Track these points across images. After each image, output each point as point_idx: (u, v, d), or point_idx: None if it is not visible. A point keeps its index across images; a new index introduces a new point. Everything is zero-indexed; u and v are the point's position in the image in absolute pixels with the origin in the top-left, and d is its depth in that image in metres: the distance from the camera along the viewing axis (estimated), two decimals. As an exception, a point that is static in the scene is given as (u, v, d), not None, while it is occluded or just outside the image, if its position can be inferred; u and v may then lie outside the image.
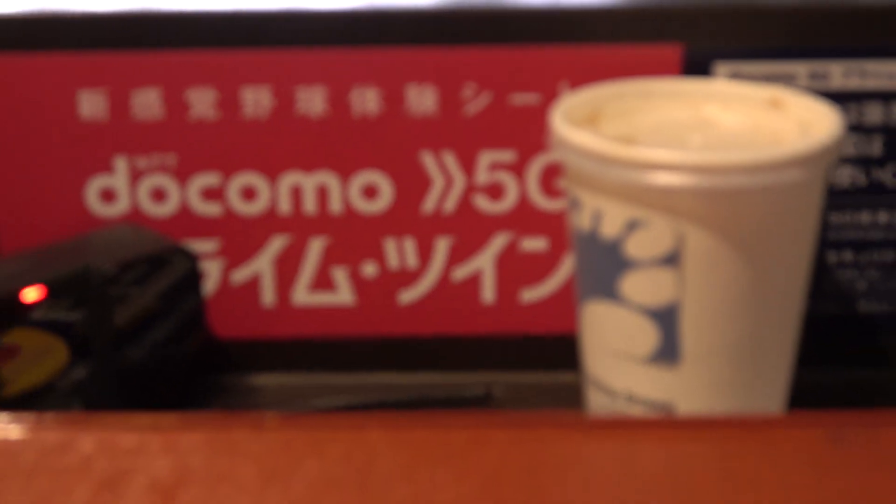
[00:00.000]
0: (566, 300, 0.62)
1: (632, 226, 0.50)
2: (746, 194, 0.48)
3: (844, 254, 0.62)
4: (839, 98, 0.55)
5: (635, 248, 0.50)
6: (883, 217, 0.61)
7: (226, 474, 0.44)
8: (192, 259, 0.60)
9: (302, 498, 0.43)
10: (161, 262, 0.60)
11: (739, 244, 0.49)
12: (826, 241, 0.60)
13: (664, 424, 0.47)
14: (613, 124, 0.54)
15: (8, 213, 0.62)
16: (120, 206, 0.63)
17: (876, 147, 0.61)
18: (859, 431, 0.45)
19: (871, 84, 0.60)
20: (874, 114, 0.60)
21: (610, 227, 0.50)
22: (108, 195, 0.62)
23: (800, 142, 0.51)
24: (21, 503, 0.43)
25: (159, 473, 0.44)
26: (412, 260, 0.63)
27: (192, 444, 0.45)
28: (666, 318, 0.51)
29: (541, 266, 0.63)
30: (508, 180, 0.62)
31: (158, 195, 0.62)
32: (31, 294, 0.56)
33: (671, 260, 0.49)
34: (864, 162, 0.61)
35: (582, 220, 0.52)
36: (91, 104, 0.61)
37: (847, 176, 0.61)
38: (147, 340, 0.60)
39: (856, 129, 0.60)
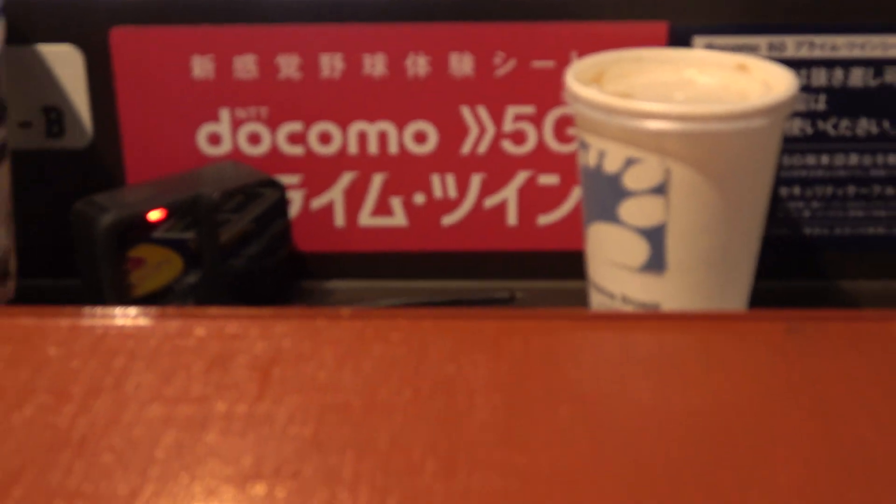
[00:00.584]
0: (574, 223, 0.63)
1: (629, 163, 0.50)
2: (720, 137, 0.49)
3: (794, 188, 0.63)
4: (792, 64, 0.55)
5: (631, 180, 0.51)
6: (825, 160, 0.62)
7: (309, 355, 0.45)
8: (280, 189, 0.61)
9: (369, 374, 0.44)
10: (256, 192, 0.60)
11: (714, 177, 0.50)
12: (780, 178, 0.60)
13: (652, 318, 0.47)
14: (614, 83, 0.55)
15: (135, 151, 0.63)
16: (224, 148, 0.63)
17: (821, 104, 0.62)
18: (808, 324, 0.46)
19: (817, 54, 0.61)
20: (819, 77, 0.61)
21: (611, 164, 0.51)
22: (214, 139, 0.63)
23: (762, 97, 0.52)
24: (149, 376, 0.43)
25: (257, 353, 0.45)
26: (452, 191, 0.64)
27: (283, 331, 0.47)
28: (655, 236, 0.51)
29: (554, 196, 0.64)
30: (529, 129, 0.63)
31: (254, 139, 0.63)
32: (153, 216, 0.57)
33: (660, 189, 0.50)
34: (811, 115, 0.62)
35: (588, 159, 0.53)
36: (201, 67, 0.62)
37: (797, 126, 0.61)
38: (245, 253, 0.61)
39: (805, 89, 0.60)
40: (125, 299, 0.58)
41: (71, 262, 0.58)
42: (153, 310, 0.48)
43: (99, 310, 0.48)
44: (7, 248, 0.58)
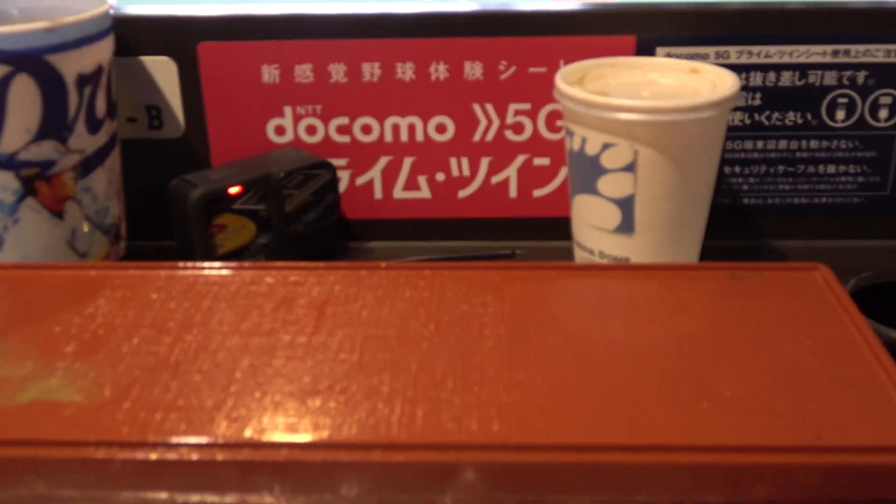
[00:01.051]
0: (562, 195, 0.63)
1: (605, 147, 0.51)
2: (677, 126, 0.50)
3: (735, 167, 0.63)
4: (734, 68, 0.55)
5: (607, 161, 0.51)
6: (759, 144, 0.62)
7: (354, 297, 0.45)
8: (331, 169, 0.61)
9: (401, 312, 0.44)
10: (312, 171, 0.60)
11: (673, 157, 0.50)
12: (724, 159, 0.60)
13: (623, 269, 0.48)
14: (593, 84, 0.55)
15: (218, 139, 0.63)
16: (287, 137, 0.63)
17: (756, 100, 0.61)
18: (747, 273, 0.46)
19: (754, 60, 0.60)
20: (756, 79, 0.61)
21: (591, 148, 0.51)
22: (279, 130, 0.63)
23: (711, 94, 0.51)
24: (229, 314, 0.43)
25: (313, 296, 0.45)
26: (466, 171, 0.64)
27: (334, 279, 0.47)
28: (625, 205, 0.51)
29: (546, 174, 0.64)
30: (526, 121, 0.62)
31: (310, 130, 0.63)
32: (232, 191, 0.57)
33: (629, 168, 0.50)
34: (748, 109, 0.62)
35: (573, 144, 0.53)
36: (269, 74, 0.62)
37: (738, 118, 0.61)
38: (303, 220, 0.61)
39: (744, 88, 0.60)
40: (210, 256, 0.58)
41: (168, 227, 0.58)
42: (233, 263, 0.48)
43: (190, 263, 0.48)
44: (119, 217, 0.58)
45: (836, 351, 0.40)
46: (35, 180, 0.53)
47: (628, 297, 0.45)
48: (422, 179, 0.64)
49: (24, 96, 0.51)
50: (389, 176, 0.64)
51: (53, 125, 0.52)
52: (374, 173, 0.64)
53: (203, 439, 0.35)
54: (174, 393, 0.37)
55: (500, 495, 0.34)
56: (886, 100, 0.60)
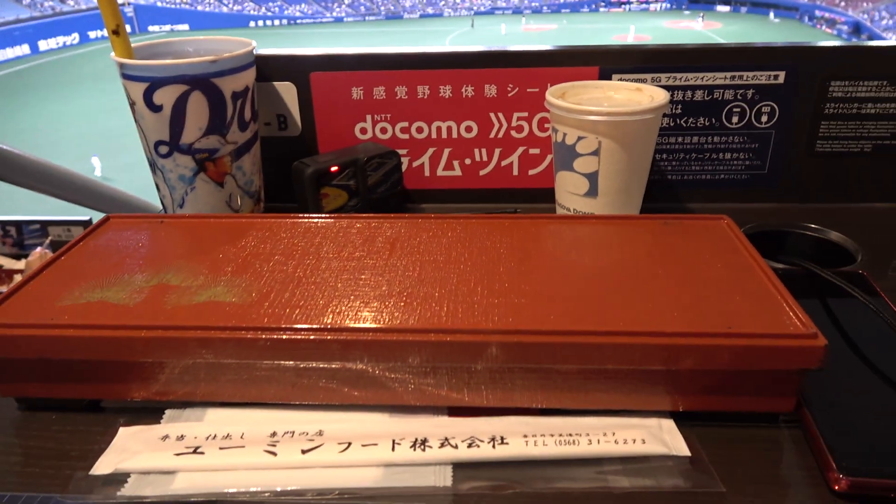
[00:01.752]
0: (548, 173, 0.61)
1: (579, 139, 0.49)
2: (627, 124, 0.48)
3: (664, 154, 0.60)
4: (665, 87, 0.53)
5: (581, 148, 0.49)
6: (679, 139, 0.60)
7: (414, 236, 0.44)
8: (397, 157, 0.60)
9: (446, 245, 0.42)
10: (384, 158, 0.58)
11: (624, 146, 0.48)
12: (656, 149, 0.57)
13: (590, 219, 0.45)
14: (571, 97, 0.52)
15: (323, 136, 0.62)
16: (368, 135, 0.62)
17: (678, 109, 0.59)
18: (672, 222, 0.44)
19: (677, 83, 0.58)
20: (678, 95, 0.58)
21: (570, 140, 0.50)
22: (363, 131, 0.62)
23: (650, 103, 0.49)
24: (332, 246, 0.42)
25: (387, 235, 0.43)
26: (485, 157, 0.62)
27: (400, 225, 0.45)
28: (592, 178, 0.50)
29: (538, 160, 0.62)
30: (525, 124, 0.61)
31: (383, 130, 0.62)
32: (333, 170, 0.55)
33: (595, 153, 0.49)
34: (672, 115, 0.59)
35: (557, 138, 0.51)
36: (356, 93, 0.60)
37: (665, 122, 0.59)
38: (379, 190, 0.59)
39: (670, 101, 0.56)
40: (319, 213, 0.56)
41: (291, 193, 0.57)
42: (334, 216, 0.46)
43: (306, 215, 0.46)
44: (259, 186, 0.57)
45: (738, 272, 0.38)
46: (205, 161, 0.52)
47: (594, 237, 0.43)
48: (455, 163, 0.62)
49: (198, 106, 0.49)
50: (434, 161, 0.62)
51: (217, 125, 0.51)
52: (425, 159, 0.62)
53: (316, 326, 0.33)
54: (298, 296, 0.36)
55: (514, 364, 0.33)
56: (766, 109, 0.57)
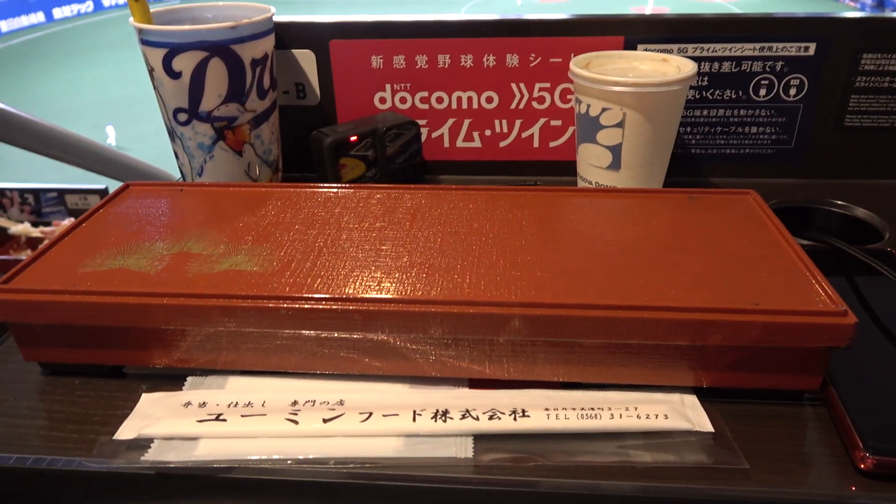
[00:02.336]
0: (569, 146, 0.60)
1: (604, 110, 0.48)
2: (653, 96, 0.47)
3: (688, 127, 0.59)
4: (691, 58, 0.51)
5: (605, 120, 0.49)
6: (705, 112, 0.58)
7: (435, 207, 0.43)
8: (416, 127, 0.59)
9: (467, 216, 0.42)
10: (403, 128, 0.58)
11: (649, 118, 0.48)
12: (680, 122, 0.55)
13: (613, 191, 0.45)
14: (596, 68, 0.52)
15: (342, 105, 0.61)
16: (387, 105, 0.61)
17: (704, 81, 0.57)
18: (698, 195, 0.44)
19: (704, 53, 0.56)
20: (705, 67, 0.57)
21: (594, 111, 0.49)
22: (382, 100, 0.61)
23: (677, 74, 0.48)
24: (352, 217, 0.41)
25: (408, 206, 0.43)
26: (505, 129, 0.61)
27: (420, 195, 0.45)
28: (615, 150, 0.49)
29: (559, 132, 0.61)
30: (546, 95, 0.59)
31: (402, 100, 0.61)
32: (352, 139, 0.54)
33: (620, 124, 0.48)
34: (698, 88, 0.58)
35: (581, 109, 0.50)
36: (375, 62, 0.59)
37: (691, 94, 0.57)
38: (398, 160, 0.59)
39: (698, 73, 0.55)
40: (337, 183, 0.56)
41: (310, 163, 0.57)
42: (354, 186, 0.46)
43: (325, 185, 0.46)
44: (278, 155, 0.57)
45: (766, 247, 0.37)
46: (224, 130, 0.51)
47: (618, 210, 0.42)
48: (475, 134, 0.61)
49: (217, 73, 0.49)
50: (454, 131, 0.61)
51: (236, 92, 0.50)
52: (444, 130, 0.61)
53: (338, 296, 0.33)
54: (319, 266, 0.36)
55: (537, 337, 0.33)
56: (795, 81, 0.56)
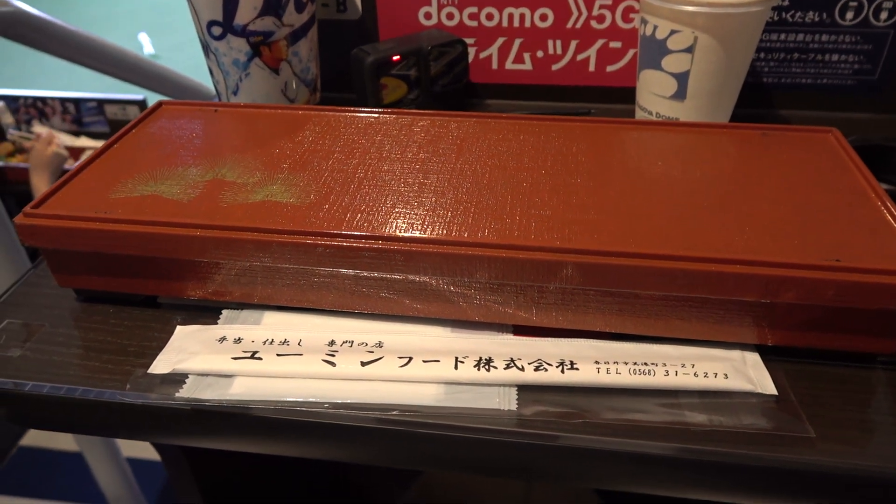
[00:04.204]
0: (628, 71, 0.56)
1: (672, 32, 0.44)
2: (731, 17, 0.43)
3: (760, 53, 0.54)
4: None
5: (672, 44, 0.44)
6: (782, 36, 0.53)
7: (481, 137, 0.41)
8: (463, 45, 0.56)
9: (515, 149, 0.40)
10: (450, 47, 0.54)
11: (723, 42, 0.44)
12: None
13: (677, 125, 0.41)
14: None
15: (384, 21, 0.57)
16: (432, 21, 0.57)
17: (785, 1, 0.51)
18: (772, 132, 0.41)
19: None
20: (788, -15, 0.50)
21: (661, 33, 0.45)
22: (427, 15, 0.57)
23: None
24: (394, 146, 0.39)
25: (453, 136, 0.41)
26: (559, 50, 0.57)
27: (467, 124, 0.42)
28: (681, 78, 0.45)
29: (617, 54, 0.56)
30: (607, 13, 0.55)
31: (449, 16, 0.57)
32: (394, 58, 0.51)
33: (689, 49, 0.44)
34: (777, 9, 0.52)
35: (646, 30, 0.46)
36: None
37: (771, 15, 0.51)
38: (442, 82, 0.56)
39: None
40: (378, 105, 0.53)
41: (349, 83, 0.54)
42: (397, 110, 0.43)
43: (367, 109, 0.43)
44: (316, 74, 0.54)
45: (848, 194, 0.34)
46: (260, 46, 0.48)
47: (684, 147, 0.39)
48: (526, 56, 0.57)
49: (252, -18, 0.46)
50: (504, 52, 0.57)
51: (272, 4, 0.47)
52: (493, 50, 0.57)
53: (379, 234, 0.31)
54: (359, 200, 0.34)
55: (590, 287, 0.30)
56: (888, 4, 0.50)
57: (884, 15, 0.51)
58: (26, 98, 1.75)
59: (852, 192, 0.34)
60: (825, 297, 0.29)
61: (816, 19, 0.52)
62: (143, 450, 1.19)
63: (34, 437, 1.28)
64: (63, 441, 1.25)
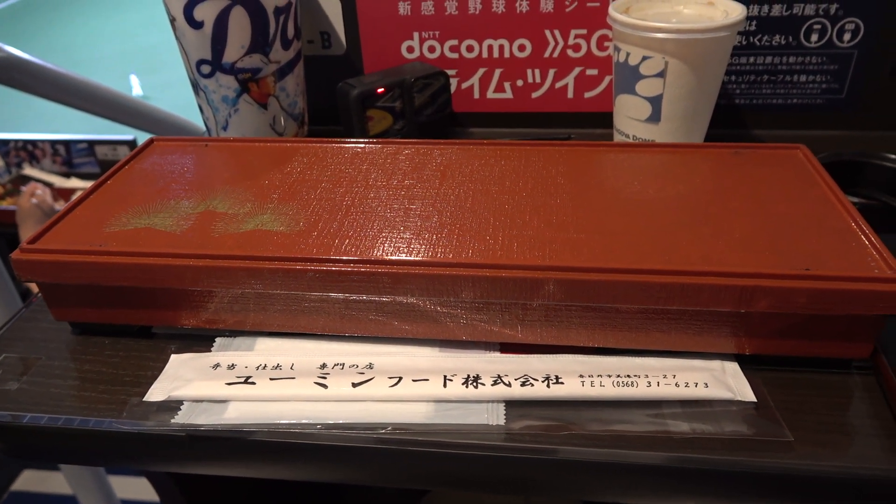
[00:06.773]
0: (605, 97, 0.57)
1: (644, 58, 0.46)
2: (698, 42, 0.45)
3: (731, 76, 0.56)
4: (740, 1, 0.47)
5: (645, 69, 0.46)
6: (751, 59, 0.55)
7: (466, 164, 0.42)
8: (445, 77, 0.57)
9: (498, 174, 0.41)
10: (432, 79, 0.56)
11: (693, 67, 0.45)
12: (727, 70, 0.52)
13: (652, 146, 0.43)
14: (636, 13, 0.49)
15: (369, 55, 0.59)
16: (415, 54, 0.59)
17: (752, 26, 0.54)
18: (744, 150, 0.42)
19: (754, -4, 0.52)
20: (753, 10, 0.54)
21: (633, 60, 0.46)
22: (410, 49, 0.59)
23: (724, 19, 0.45)
24: (380, 174, 0.40)
25: (437, 163, 0.41)
26: (538, 78, 0.59)
27: (450, 151, 0.44)
28: (655, 102, 0.47)
29: (594, 81, 0.58)
30: (583, 42, 0.57)
31: (431, 49, 0.59)
32: (379, 91, 0.53)
33: (661, 74, 0.46)
34: (744, 33, 0.54)
35: (620, 57, 0.48)
36: (403, 8, 0.57)
37: (738, 38, 0.54)
38: (426, 112, 0.57)
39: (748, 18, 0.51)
40: (364, 136, 0.54)
41: (335, 116, 0.55)
42: (382, 140, 0.44)
43: (353, 140, 0.45)
44: (303, 108, 0.55)
45: (817, 207, 0.35)
46: (248, 82, 0.50)
47: (656, 167, 0.40)
48: (507, 85, 0.59)
49: (240, 22, 0.47)
50: (485, 82, 0.59)
51: (259, 43, 0.49)
52: (474, 80, 0.59)
53: (366, 258, 0.32)
54: (346, 226, 0.35)
55: (572, 302, 0.32)
56: (850, 26, 0.52)
57: (847, 36, 0.53)
58: (16, 141, 1.77)
59: (820, 205, 0.35)
60: (797, 305, 0.30)
61: (783, 42, 0.54)
62: (137, 491, 1.18)
63: (26, 481, 1.26)
64: (55, 483, 1.24)
